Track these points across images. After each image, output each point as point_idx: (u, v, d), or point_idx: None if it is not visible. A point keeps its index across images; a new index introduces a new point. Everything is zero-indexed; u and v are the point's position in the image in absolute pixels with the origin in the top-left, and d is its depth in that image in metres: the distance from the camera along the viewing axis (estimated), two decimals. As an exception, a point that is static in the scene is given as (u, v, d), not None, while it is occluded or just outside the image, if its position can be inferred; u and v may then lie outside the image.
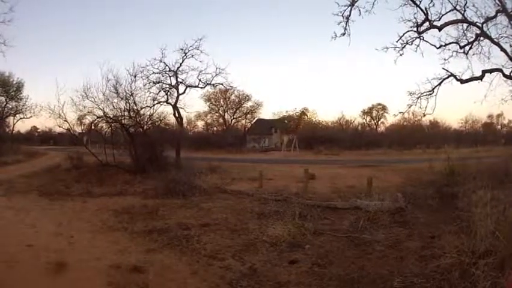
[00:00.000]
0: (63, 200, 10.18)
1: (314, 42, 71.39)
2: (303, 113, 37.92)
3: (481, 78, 13.33)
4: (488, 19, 12.77)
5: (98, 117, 16.79)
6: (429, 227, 6.49)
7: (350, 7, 13.36)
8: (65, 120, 16.41)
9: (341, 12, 13.50)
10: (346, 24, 13.60)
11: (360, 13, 13.35)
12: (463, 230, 5.38)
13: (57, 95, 15.92)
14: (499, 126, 50.77)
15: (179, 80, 19.62)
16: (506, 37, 12.77)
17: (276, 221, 6.91)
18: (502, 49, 12.75)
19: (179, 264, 5.09)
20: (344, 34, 13.82)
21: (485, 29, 12.94)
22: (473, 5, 12.83)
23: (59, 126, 17.23)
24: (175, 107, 19.63)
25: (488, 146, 30.78)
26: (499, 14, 12.61)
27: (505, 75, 13.14)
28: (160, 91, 19.32)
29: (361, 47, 55.28)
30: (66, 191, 11.66)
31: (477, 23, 12.95)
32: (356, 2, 13.29)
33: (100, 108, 16.05)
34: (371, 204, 7.92)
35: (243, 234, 6.40)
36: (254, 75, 69.85)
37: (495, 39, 12.85)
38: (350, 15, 13.47)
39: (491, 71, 13.26)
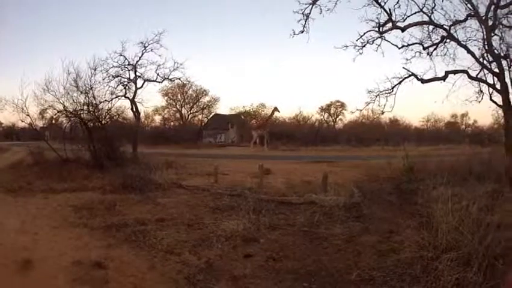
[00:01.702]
0: (26, 196, 9.99)
1: (272, 39, 71.08)
2: (276, 109, 37.95)
3: (443, 78, 13.65)
4: (456, 22, 13.13)
5: (58, 112, 16.61)
6: (387, 222, 6.52)
7: (311, 5, 13.66)
8: (28, 115, 16.28)
9: (301, 10, 13.77)
10: (306, 21, 13.95)
11: (321, 11, 13.68)
12: (422, 225, 5.44)
13: (21, 89, 15.82)
14: (464, 126, 51.50)
15: (137, 74, 19.67)
16: (475, 40, 13.17)
17: (231, 215, 7.04)
18: (469, 51, 13.07)
19: (137, 259, 5.14)
20: (302, 32, 14.17)
21: (452, 31, 13.28)
22: (442, 8, 13.15)
23: (22, 121, 17.18)
24: (132, 101, 19.65)
25: (450, 145, 31.75)
26: (469, 18, 12.99)
27: (470, 77, 13.52)
28: (118, 85, 19.34)
29: (320, 45, 55.83)
30: (28, 187, 11.38)
31: (444, 26, 13.28)
32: (317, 0, 13.57)
33: (61, 102, 15.88)
34: (326, 199, 8.05)
35: (199, 229, 6.49)
36: (211, 70, 69.47)
37: (462, 42, 13.17)
38: (310, 13, 13.79)
39: (455, 72, 13.61)
